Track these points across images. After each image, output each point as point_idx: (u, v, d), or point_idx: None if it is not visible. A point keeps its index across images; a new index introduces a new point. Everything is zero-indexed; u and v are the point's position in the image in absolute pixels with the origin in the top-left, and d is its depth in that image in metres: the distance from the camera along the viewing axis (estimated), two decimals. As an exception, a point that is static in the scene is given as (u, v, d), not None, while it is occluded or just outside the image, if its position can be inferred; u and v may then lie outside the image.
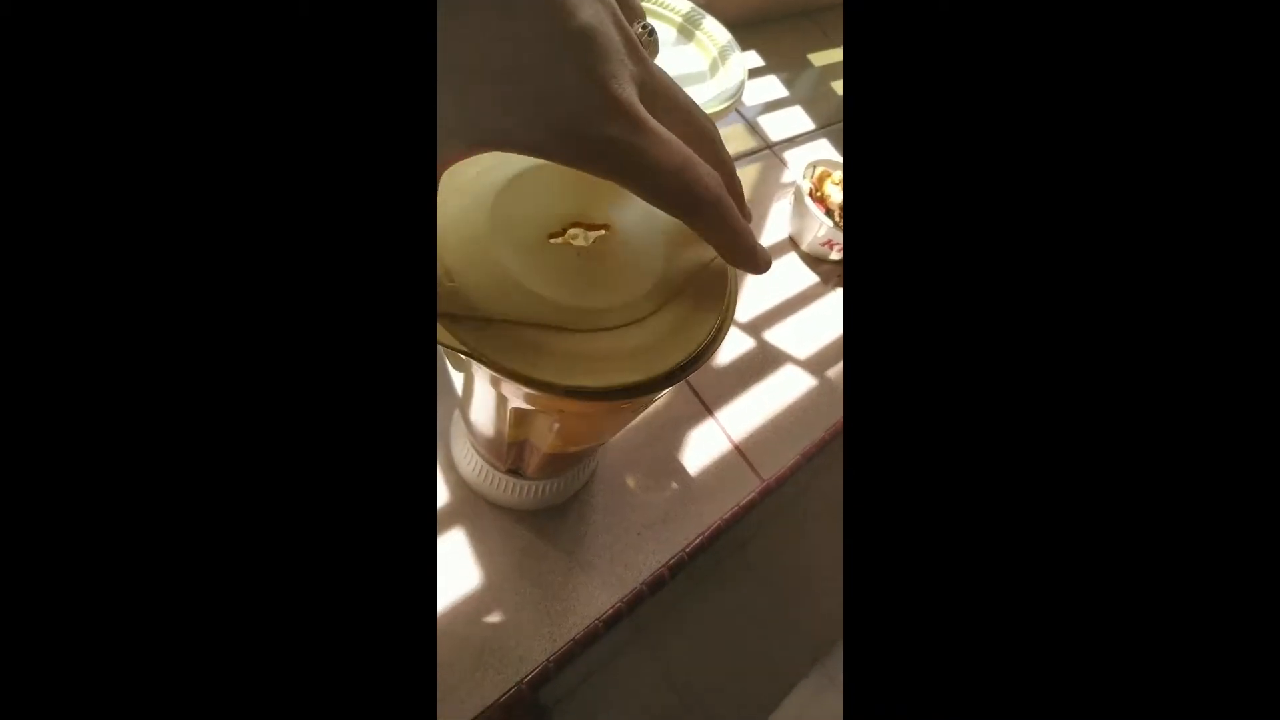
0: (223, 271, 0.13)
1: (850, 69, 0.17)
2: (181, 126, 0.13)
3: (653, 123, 0.17)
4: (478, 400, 0.28)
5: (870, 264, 0.16)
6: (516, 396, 0.22)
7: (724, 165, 0.20)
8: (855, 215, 0.16)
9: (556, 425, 0.25)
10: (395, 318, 0.14)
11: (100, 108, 0.13)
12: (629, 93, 0.17)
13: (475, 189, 0.22)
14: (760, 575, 0.89)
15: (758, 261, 0.20)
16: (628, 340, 0.20)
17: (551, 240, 0.21)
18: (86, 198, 0.12)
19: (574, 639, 0.36)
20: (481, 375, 0.22)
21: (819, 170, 0.58)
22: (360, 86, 0.14)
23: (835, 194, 0.56)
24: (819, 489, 0.93)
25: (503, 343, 0.19)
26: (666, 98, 0.19)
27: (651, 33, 0.22)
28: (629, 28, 0.17)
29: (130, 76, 0.13)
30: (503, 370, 0.18)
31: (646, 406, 0.27)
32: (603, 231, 0.22)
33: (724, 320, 0.22)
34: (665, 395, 0.47)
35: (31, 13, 0.12)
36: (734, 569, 0.87)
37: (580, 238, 0.22)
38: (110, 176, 0.13)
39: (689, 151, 0.18)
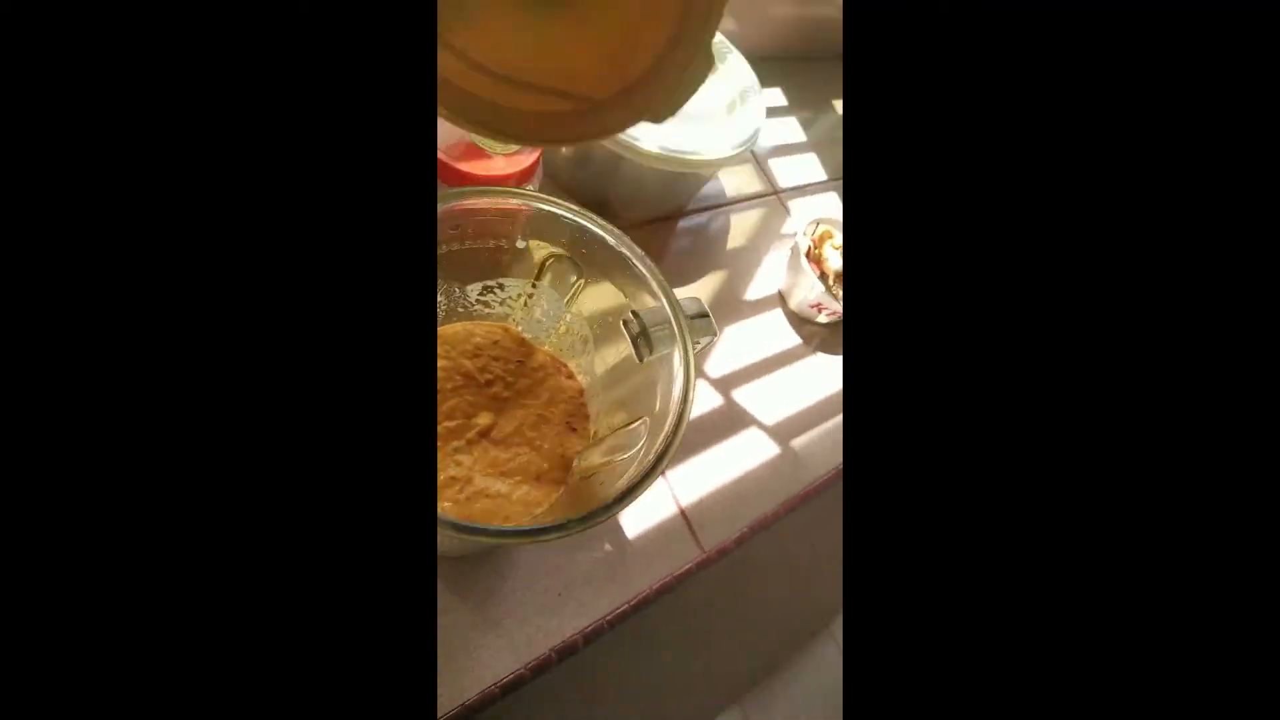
0: (222, 273, 0.13)
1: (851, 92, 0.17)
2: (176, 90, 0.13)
3: None
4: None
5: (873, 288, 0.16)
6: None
7: None
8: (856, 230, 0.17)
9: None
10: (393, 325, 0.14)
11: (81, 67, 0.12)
12: None
13: None
14: (685, 637, 0.86)
15: None
16: None
17: None
18: (78, 185, 0.12)
19: (464, 704, 0.33)
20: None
21: (821, 229, 0.55)
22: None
23: (834, 259, 0.53)
24: (762, 559, 0.90)
25: None
26: None
27: None
28: None
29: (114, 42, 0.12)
30: None
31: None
32: None
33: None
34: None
35: (31, 11, 0.12)
36: (666, 637, 0.83)
37: None
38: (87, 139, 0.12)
39: None
